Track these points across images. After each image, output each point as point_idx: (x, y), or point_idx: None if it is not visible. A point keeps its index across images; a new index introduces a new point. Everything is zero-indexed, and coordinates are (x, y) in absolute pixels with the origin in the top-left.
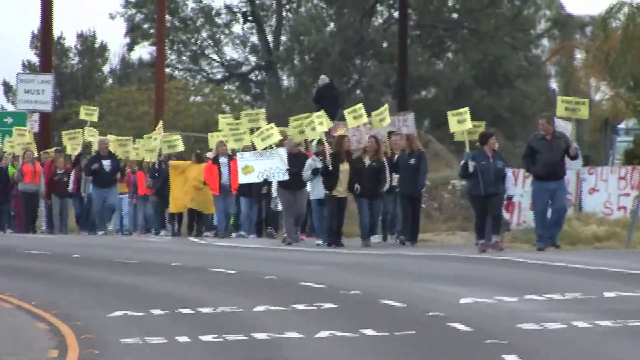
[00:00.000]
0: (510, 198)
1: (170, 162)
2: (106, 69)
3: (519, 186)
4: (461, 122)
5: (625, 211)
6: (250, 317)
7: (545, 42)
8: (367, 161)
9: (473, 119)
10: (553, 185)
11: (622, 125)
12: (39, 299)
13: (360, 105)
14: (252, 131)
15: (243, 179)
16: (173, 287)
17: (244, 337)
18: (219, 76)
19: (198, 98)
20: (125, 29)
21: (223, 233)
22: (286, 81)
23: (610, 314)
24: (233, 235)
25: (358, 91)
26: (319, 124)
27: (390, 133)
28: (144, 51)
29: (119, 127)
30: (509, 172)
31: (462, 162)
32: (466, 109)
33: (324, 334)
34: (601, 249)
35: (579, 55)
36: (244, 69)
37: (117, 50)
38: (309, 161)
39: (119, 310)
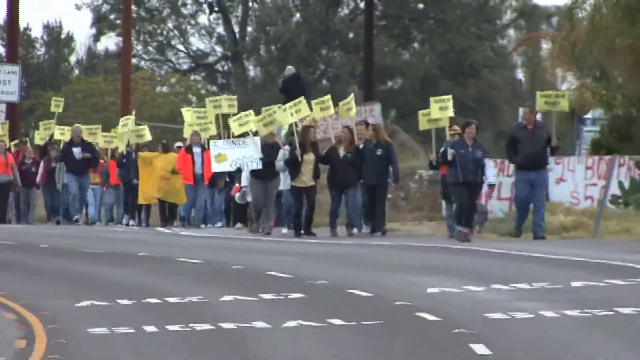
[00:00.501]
0: (491, 186)
1: (139, 154)
2: (72, 59)
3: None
4: (443, 109)
5: (592, 201)
6: (217, 306)
7: (511, 32)
8: (341, 152)
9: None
10: (534, 175)
11: (588, 116)
12: (6, 289)
13: (328, 96)
14: (217, 118)
15: (216, 167)
16: (140, 277)
17: (212, 327)
18: (185, 67)
19: (164, 88)
20: (91, 19)
21: (190, 222)
22: (252, 72)
23: (578, 304)
24: (202, 226)
25: (324, 81)
26: (296, 111)
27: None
28: (110, 42)
29: (86, 118)
30: (489, 162)
31: (442, 149)
32: (450, 96)
33: (291, 323)
34: (568, 239)
35: (545, 45)
36: (210, 59)
37: (84, 40)
38: (282, 151)
39: (86, 300)
